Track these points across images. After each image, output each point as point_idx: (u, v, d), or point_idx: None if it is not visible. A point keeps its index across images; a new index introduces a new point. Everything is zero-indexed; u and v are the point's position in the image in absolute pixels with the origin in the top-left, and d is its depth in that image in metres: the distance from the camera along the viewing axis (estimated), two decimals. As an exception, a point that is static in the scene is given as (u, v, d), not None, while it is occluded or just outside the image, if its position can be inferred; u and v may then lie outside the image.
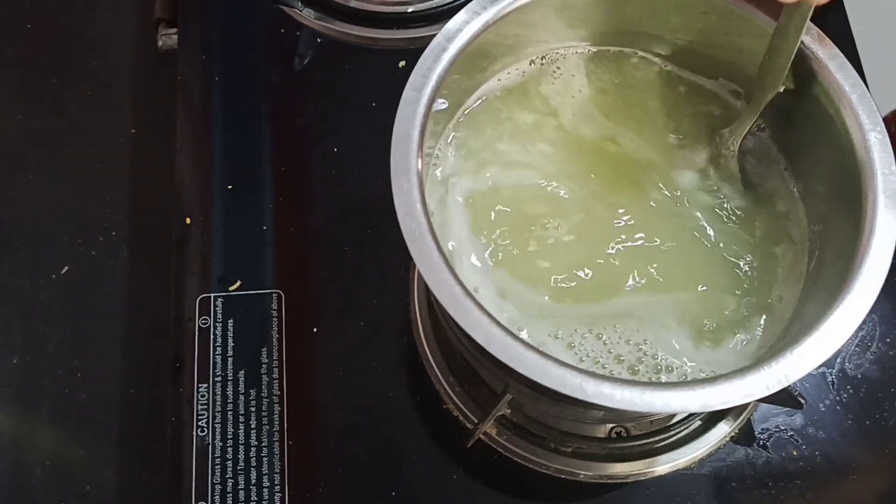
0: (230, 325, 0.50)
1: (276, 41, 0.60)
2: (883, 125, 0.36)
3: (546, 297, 0.40)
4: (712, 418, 0.49)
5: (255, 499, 0.46)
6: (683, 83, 0.46)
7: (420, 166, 0.35)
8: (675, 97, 0.45)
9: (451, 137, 0.44)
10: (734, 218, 0.43)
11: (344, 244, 0.53)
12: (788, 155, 0.43)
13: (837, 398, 0.50)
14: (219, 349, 0.50)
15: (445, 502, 0.47)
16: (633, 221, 0.42)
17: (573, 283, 0.40)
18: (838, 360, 0.51)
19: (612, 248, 0.41)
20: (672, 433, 0.48)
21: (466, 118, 0.44)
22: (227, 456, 0.47)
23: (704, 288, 0.41)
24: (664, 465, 0.47)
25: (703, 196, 0.43)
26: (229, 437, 0.48)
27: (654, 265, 0.41)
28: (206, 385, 0.49)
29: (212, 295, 0.51)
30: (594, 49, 0.46)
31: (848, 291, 0.33)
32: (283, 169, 0.55)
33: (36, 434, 0.58)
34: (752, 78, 0.41)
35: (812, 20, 0.37)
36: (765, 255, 0.42)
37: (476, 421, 0.47)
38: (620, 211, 0.42)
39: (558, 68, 0.45)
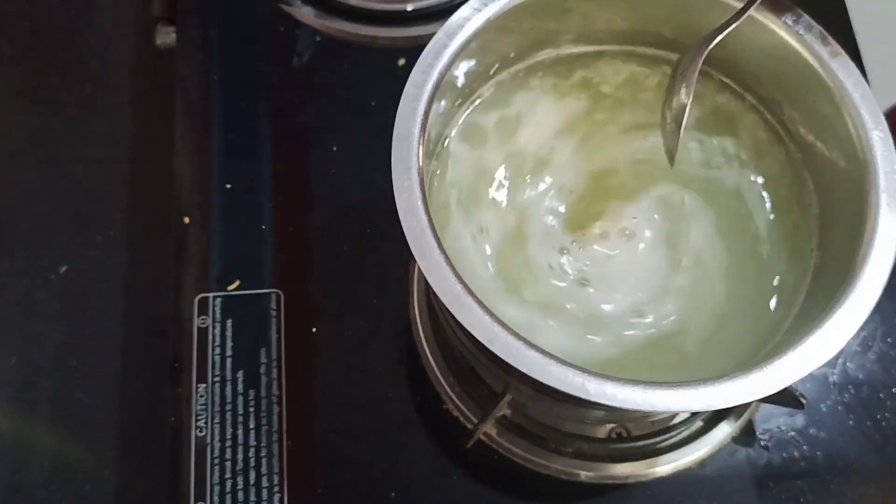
0: (229, 324, 0.50)
1: (275, 39, 0.60)
2: (885, 124, 0.36)
3: None
4: (714, 419, 0.48)
5: (255, 499, 0.46)
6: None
7: (421, 164, 0.35)
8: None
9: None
10: None
11: (343, 244, 0.53)
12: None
13: (839, 398, 0.49)
14: (217, 349, 0.49)
15: (445, 503, 0.47)
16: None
17: None
18: (840, 360, 0.50)
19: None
20: (673, 433, 0.48)
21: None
22: (226, 456, 0.47)
23: None
24: (665, 465, 0.47)
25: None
26: (228, 437, 0.47)
27: None
28: (204, 385, 0.49)
29: (210, 295, 0.51)
30: (598, 48, 0.45)
31: (850, 291, 0.33)
32: (283, 168, 0.55)
33: (34, 434, 0.57)
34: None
35: (812, 16, 0.37)
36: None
37: (476, 421, 0.47)
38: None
39: (558, 67, 0.45)
